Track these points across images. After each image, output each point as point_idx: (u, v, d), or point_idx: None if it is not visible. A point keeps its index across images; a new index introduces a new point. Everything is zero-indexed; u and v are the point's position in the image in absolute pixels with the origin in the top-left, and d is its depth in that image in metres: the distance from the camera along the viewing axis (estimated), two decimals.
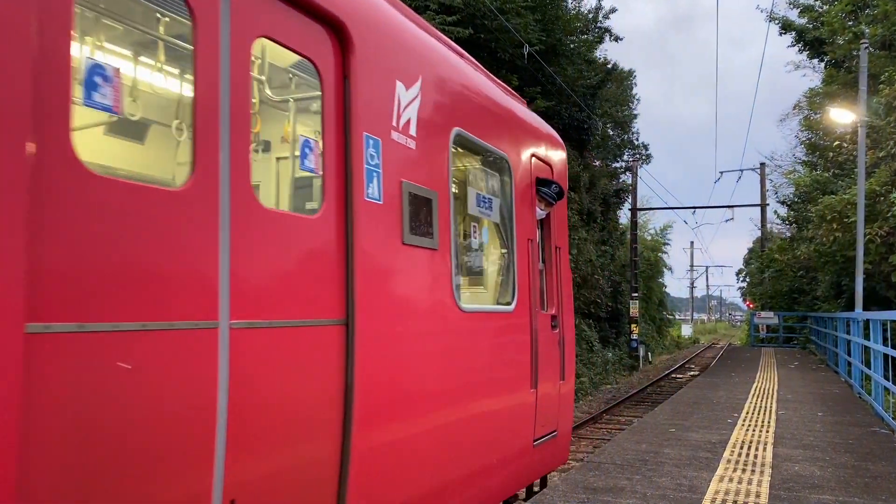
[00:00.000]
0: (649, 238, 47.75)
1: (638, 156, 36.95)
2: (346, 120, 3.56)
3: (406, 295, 4.04)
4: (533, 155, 6.21)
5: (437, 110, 4.49)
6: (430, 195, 4.26)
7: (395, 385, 3.87)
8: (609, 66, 29.67)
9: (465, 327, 4.72)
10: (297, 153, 3.49)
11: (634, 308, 31.26)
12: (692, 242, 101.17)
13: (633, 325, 31.13)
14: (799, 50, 30.53)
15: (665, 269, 52.44)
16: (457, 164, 5.30)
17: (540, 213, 6.27)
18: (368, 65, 3.71)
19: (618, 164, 36.57)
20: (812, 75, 34.86)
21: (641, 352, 31.39)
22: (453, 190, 4.65)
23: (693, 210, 52.92)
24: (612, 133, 33.90)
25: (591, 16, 27.45)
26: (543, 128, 6.89)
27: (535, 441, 5.97)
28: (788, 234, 37.77)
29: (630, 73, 35.91)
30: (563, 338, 6.63)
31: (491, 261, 5.98)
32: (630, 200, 34.06)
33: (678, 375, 27.10)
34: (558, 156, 7.01)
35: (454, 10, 16.51)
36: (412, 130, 4.10)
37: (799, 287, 31.90)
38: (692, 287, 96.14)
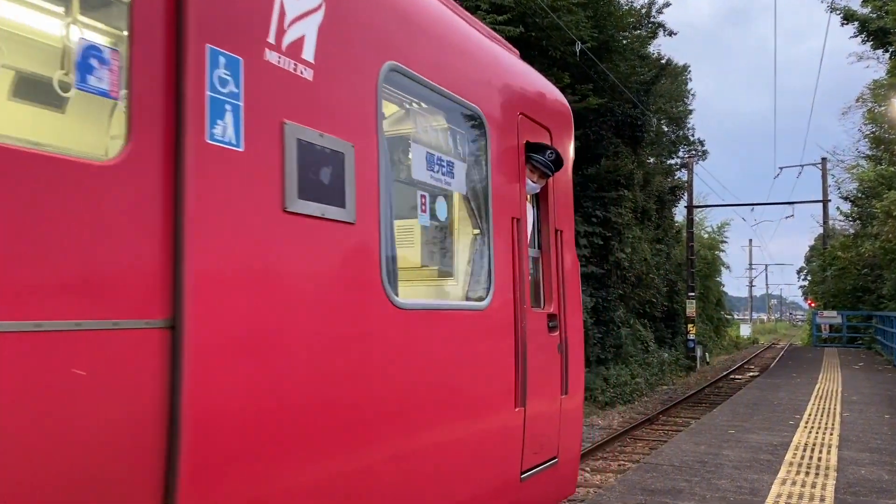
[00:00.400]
0: (706, 236, 46.86)
1: (693, 152, 36.30)
2: (178, 24, 2.46)
3: (289, 286, 2.81)
4: (522, 113, 4.84)
5: (358, 32, 3.29)
6: (342, 148, 3.07)
7: (262, 417, 2.65)
8: (663, 61, 29.22)
9: (404, 330, 3.46)
10: (74, 63, 2.28)
11: (691, 308, 30.70)
12: (751, 240, 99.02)
13: (689, 325, 30.58)
14: (862, 41, 29.56)
15: (722, 268, 51.39)
16: (395, 112, 4.21)
17: (533, 186, 4.96)
18: None
19: (673, 161, 36.01)
20: (876, 66, 33.72)
21: (699, 352, 30.82)
22: (386, 145, 3.46)
23: (751, 207, 51.99)
24: (666, 129, 33.38)
25: (644, 11, 27.06)
26: (539, 82, 5.50)
27: (523, 474, 4.62)
28: (852, 231, 36.64)
29: (685, 67, 35.31)
30: (566, 341, 5.21)
31: (460, 245, 4.67)
32: (686, 198, 33.47)
33: (737, 376, 26.53)
34: (560, 118, 5.60)
35: (505, 10, 16.48)
36: (307, 54, 2.94)
37: (863, 285, 30.92)
38: (751, 286, 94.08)
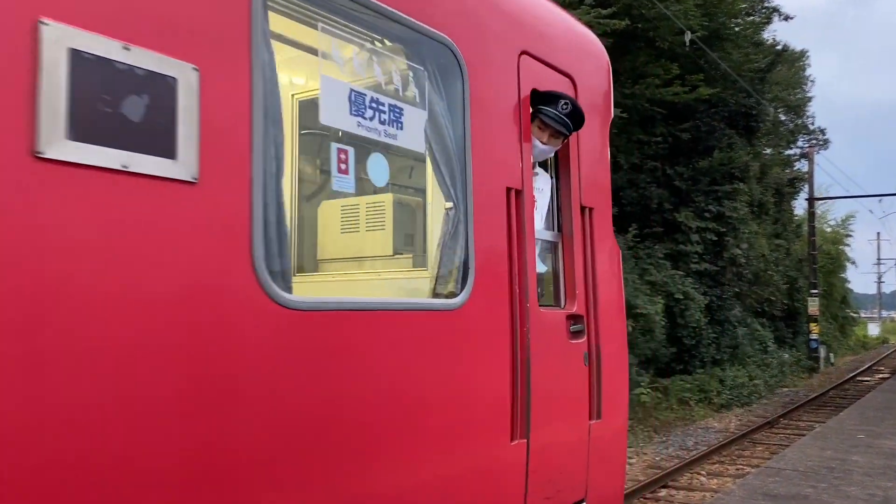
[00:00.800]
0: (829, 230, 44.36)
1: (814, 141, 34.46)
2: None
3: (39, 273, 1.82)
4: (526, 52, 3.68)
5: None
6: (170, 70, 2.12)
7: None
8: (779, 47, 27.86)
9: (296, 339, 2.42)
10: None
11: (814, 306, 29.11)
12: (878, 234, 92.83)
13: (812, 324, 29.01)
14: None
15: (848, 263, 48.48)
16: (292, 31, 3.28)
17: (543, 148, 3.84)
18: None
19: (791, 152, 34.29)
20: None
21: (822, 353, 29.20)
22: (270, 76, 2.47)
23: (879, 198, 48.54)
24: (783, 119, 31.82)
25: None
26: (556, 15, 4.23)
27: None
28: None
29: (802, 53, 33.59)
30: (597, 350, 4.05)
31: (422, 223, 3.71)
32: (806, 190, 31.80)
33: (865, 378, 24.99)
34: (589, 63, 4.38)
35: (610, 3, 16.17)
36: None
37: None
38: (879, 282, 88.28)
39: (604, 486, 4.07)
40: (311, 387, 2.46)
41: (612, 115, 4.64)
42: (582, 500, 3.89)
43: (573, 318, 3.89)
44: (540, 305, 3.61)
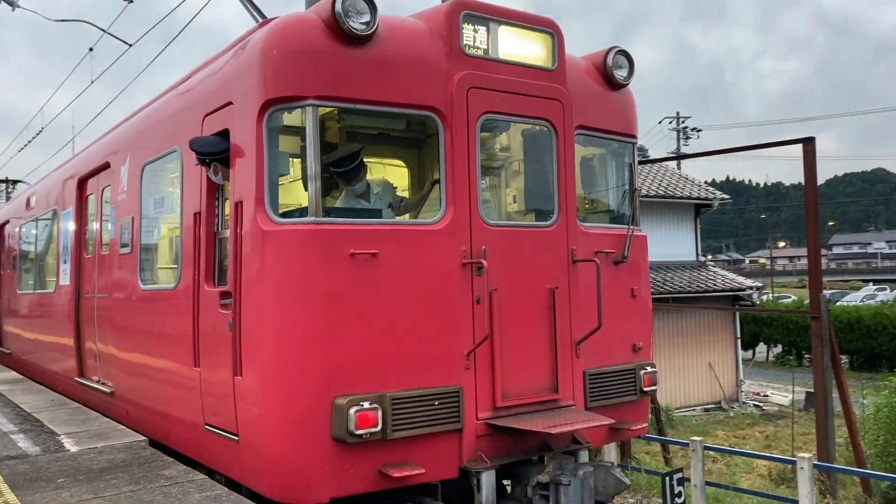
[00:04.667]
0: None
1: None
2: None
3: None
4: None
5: None
6: None
7: None
8: None
9: None
10: None
11: None
12: None
13: None
14: None
15: None
16: None
17: (217, 178, 5.74)
18: None
19: None
20: None
21: None
22: None
23: None
24: None
25: None
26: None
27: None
28: None
29: None
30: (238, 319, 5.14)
31: None
32: None
33: None
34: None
35: None
36: None
37: None
38: None
39: (251, 427, 4.98)
40: None
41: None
42: (234, 433, 5.14)
43: (224, 294, 5.36)
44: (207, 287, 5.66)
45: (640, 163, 20.09)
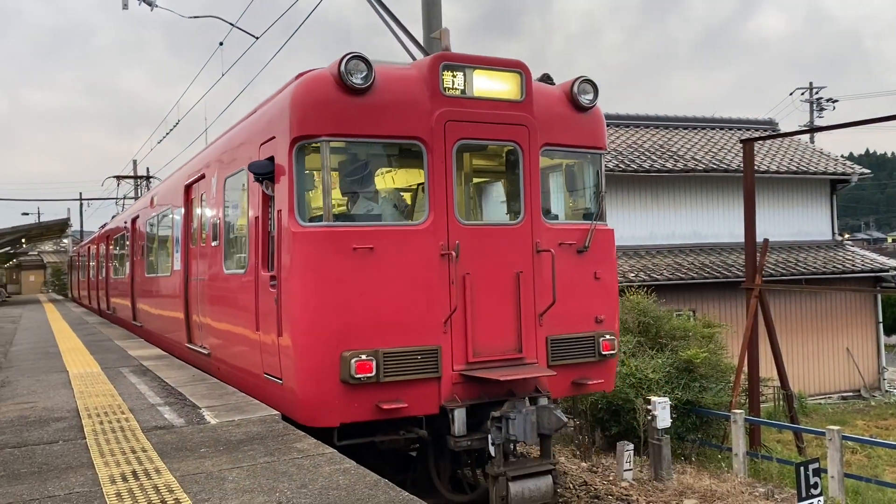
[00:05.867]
0: None
1: None
2: None
3: None
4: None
5: None
6: None
7: None
8: None
9: None
10: None
11: None
12: None
13: None
14: None
15: None
16: None
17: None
18: None
19: None
20: None
21: None
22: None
23: None
24: None
25: None
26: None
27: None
28: None
29: None
30: (279, 296, 7.01)
31: None
32: None
33: None
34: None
35: None
36: None
37: None
38: None
39: (288, 373, 6.84)
40: None
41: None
42: (279, 377, 7.03)
43: (272, 278, 7.15)
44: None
45: (770, 137, 19.09)
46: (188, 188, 11.06)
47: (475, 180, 8.15)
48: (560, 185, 8.27)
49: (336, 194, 7.10)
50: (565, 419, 7.05)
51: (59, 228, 43.75)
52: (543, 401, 7.01)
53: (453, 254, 6.84)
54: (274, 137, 7.15)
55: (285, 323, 6.78)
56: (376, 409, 6.56)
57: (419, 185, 7.24)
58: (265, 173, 7.14)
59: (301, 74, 7.02)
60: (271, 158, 7.15)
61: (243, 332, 7.97)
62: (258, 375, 7.55)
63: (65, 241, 61.16)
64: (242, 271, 8.10)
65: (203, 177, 10.21)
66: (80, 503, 4.23)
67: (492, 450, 6.80)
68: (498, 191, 8.07)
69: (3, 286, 52.30)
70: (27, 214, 64.38)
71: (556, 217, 7.91)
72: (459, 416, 6.73)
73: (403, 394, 6.64)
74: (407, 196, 7.69)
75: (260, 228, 7.49)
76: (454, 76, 7.05)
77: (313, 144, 6.78)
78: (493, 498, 6.93)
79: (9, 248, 46.14)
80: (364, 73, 6.63)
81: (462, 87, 7.06)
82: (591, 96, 7.84)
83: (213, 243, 9.46)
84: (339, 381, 6.45)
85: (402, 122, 6.82)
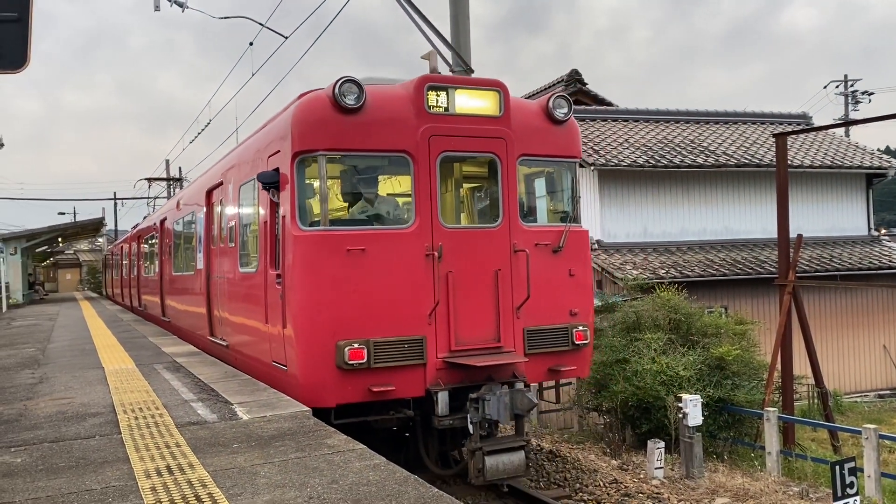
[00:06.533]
0: None
1: None
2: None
3: None
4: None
5: None
6: None
7: None
8: None
9: None
10: None
11: None
12: None
13: None
14: None
15: None
16: None
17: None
18: None
19: None
20: None
21: None
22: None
23: None
24: None
25: None
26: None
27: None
28: None
29: None
30: (283, 292, 7.88)
31: None
32: None
33: None
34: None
35: None
36: None
37: None
38: None
39: (291, 361, 7.63)
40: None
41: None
42: (284, 364, 7.85)
43: (278, 276, 7.94)
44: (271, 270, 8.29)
45: (803, 131, 18.81)
46: (209, 193, 11.91)
47: (466, 185, 8.85)
48: (538, 190, 9.05)
49: (333, 202, 7.84)
50: (536, 401, 7.93)
51: (94, 227, 44.52)
52: (520, 384, 7.77)
53: (436, 254, 7.57)
54: (279, 151, 7.93)
55: (288, 316, 7.56)
56: (368, 391, 7.29)
57: (407, 192, 7.89)
58: (272, 182, 7.90)
59: (302, 95, 7.77)
60: (277, 169, 7.92)
61: (255, 324, 8.76)
62: (267, 363, 8.32)
63: (99, 239, 62.23)
64: (254, 270, 8.89)
65: (221, 183, 11.08)
66: (116, 497, 4.31)
67: (470, 428, 7.55)
68: (482, 196, 8.82)
69: (40, 284, 53.35)
70: (63, 214, 65.62)
71: (534, 220, 8.66)
72: (443, 399, 7.48)
73: (392, 378, 7.38)
74: (396, 202, 8.33)
75: (268, 231, 8.29)
76: (438, 95, 7.74)
77: (312, 157, 7.52)
78: (471, 470, 7.68)
79: (46, 246, 47.08)
80: (356, 95, 7.37)
81: (445, 105, 7.77)
82: (565, 110, 8.50)
83: (230, 244, 10.29)
84: (334, 367, 7.20)
85: (390, 137, 7.54)
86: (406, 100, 7.70)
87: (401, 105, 7.67)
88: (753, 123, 24.32)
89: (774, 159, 14.92)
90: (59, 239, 45.87)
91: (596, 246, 18.76)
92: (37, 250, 45.94)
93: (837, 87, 44.45)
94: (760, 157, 20.89)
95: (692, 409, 10.27)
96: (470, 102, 7.89)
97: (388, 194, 8.38)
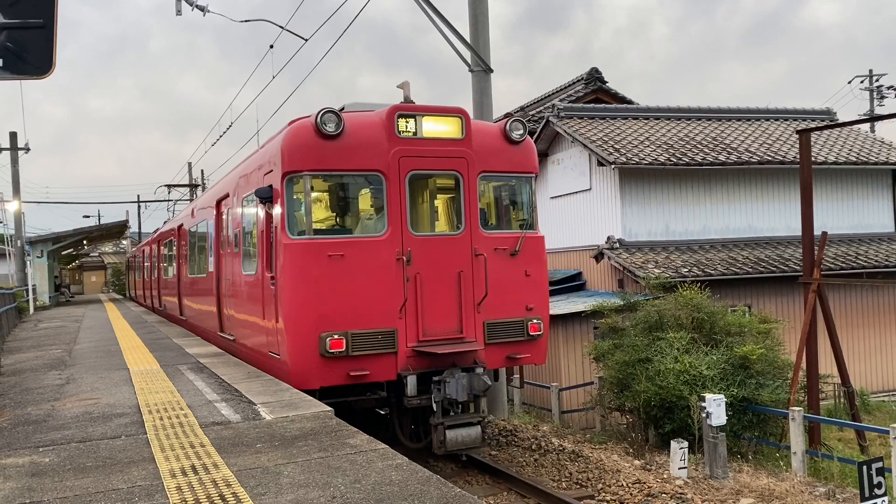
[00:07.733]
0: None
1: None
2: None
3: None
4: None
5: None
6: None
7: None
8: None
9: None
10: None
11: None
12: None
13: None
14: None
15: None
16: None
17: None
18: None
19: None
20: None
21: None
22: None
23: None
24: None
25: None
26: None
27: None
28: None
29: None
30: (275, 292, 9.08)
31: None
32: None
33: None
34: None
35: None
36: None
37: None
38: None
39: (283, 350, 8.78)
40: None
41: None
42: (277, 353, 8.97)
43: (272, 277, 9.07)
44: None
45: (827, 127, 18.55)
46: (218, 203, 13.18)
47: (440, 197, 9.91)
48: (498, 201, 10.18)
49: (317, 213, 8.99)
50: (490, 383, 9.05)
51: (118, 230, 45.07)
52: (481, 370, 8.95)
53: (405, 258, 8.74)
54: (272, 170, 9.13)
55: (280, 312, 8.75)
56: (347, 375, 8.47)
57: (380, 206, 8.97)
58: (267, 197, 9.08)
59: (292, 122, 8.95)
60: (271, 186, 9.11)
61: (255, 320, 9.96)
62: (265, 353, 9.46)
63: (124, 242, 62.97)
64: (254, 272, 10.01)
65: (228, 195, 12.38)
66: (142, 496, 4.36)
67: (434, 406, 8.71)
68: (443, 209, 10.01)
69: (66, 287, 54.09)
70: (88, 217, 66.42)
71: (494, 227, 9.74)
72: (411, 382, 8.62)
73: (368, 364, 8.54)
74: (371, 214, 9.43)
75: (264, 239, 9.42)
76: (407, 122, 8.91)
77: (299, 176, 8.68)
78: (434, 442, 8.82)
79: (71, 249, 47.72)
80: (335, 123, 8.53)
81: (414, 130, 8.93)
82: (520, 132, 9.65)
83: (235, 250, 11.50)
84: (318, 355, 8.34)
85: (365, 158, 8.71)
86: (380, 126, 8.86)
87: (375, 131, 8.83)
88: (776, 120, 24.05)
89: (798, 156, 14.75)
90: (85, 241, 46.49)
91: (617, 245, 18.66)
92: (62, 253, 46.60)
93: (862, 82, 43.85)
94: (784, 154, 20.65)
95: (716, 408, 10.19)
96: (436, 127, 9.03)
97: (363, 208, 9.41)
